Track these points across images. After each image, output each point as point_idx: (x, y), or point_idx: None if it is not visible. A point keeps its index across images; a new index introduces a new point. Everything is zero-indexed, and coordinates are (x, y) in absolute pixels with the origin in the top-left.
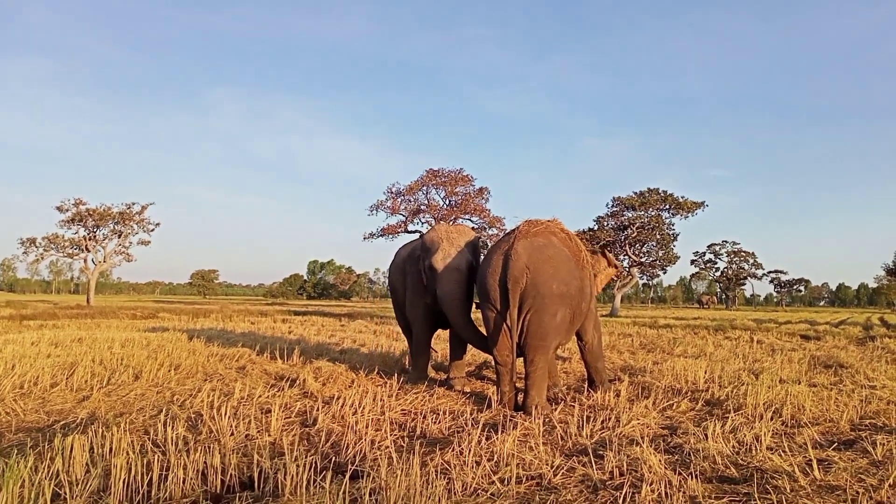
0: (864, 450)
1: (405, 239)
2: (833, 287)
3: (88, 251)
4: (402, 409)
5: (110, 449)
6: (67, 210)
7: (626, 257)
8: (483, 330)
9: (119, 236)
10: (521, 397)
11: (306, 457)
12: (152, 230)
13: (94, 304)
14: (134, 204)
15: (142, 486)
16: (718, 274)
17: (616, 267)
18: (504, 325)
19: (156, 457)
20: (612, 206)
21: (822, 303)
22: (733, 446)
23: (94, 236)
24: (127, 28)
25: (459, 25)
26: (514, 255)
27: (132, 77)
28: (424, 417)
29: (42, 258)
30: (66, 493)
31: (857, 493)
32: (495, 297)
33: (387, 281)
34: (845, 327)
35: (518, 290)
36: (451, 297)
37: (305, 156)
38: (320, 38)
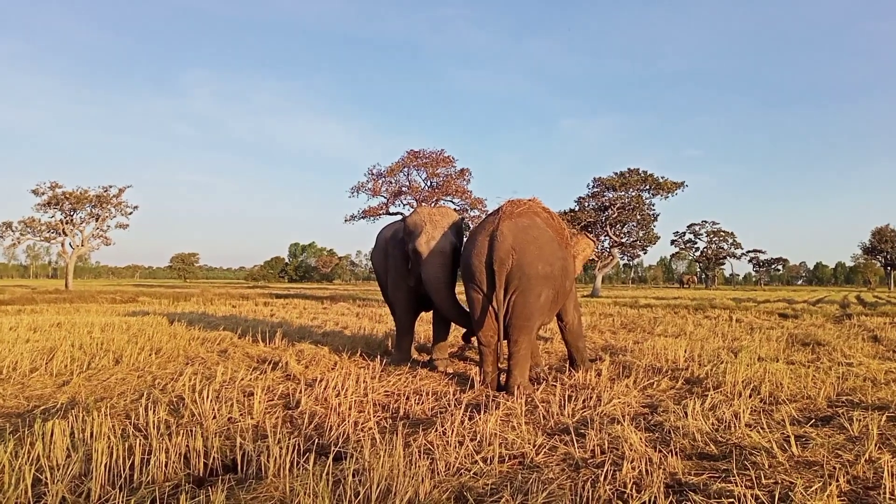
0: (841, 426)
1: (387, 221)
2: (811, 266)
3: (66, 235)
4: (385, 391)
5: (91, 433)
6: (43, 193)
7: (607, 238)
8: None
9: (96, 220)
10: (503, 377)
11: (289, 439)
12: (130, 213)
13: (72, 289)
14: (111, 187)
15: (124, 470)
16: (698, 254)
17: (591, 250)
18: (489, 306)
19: (137, 441)
20: (593, 186)
21: (799, 282)
22: (713, 423)
23: (71, 220)
24: (99, 8)
25: (438, 4)
26: (500, 237)
27: (105, 58)
28: (407, 399)
29: (19, 242)
30: (46, 478)
31: (834, 468)
32: (481, 279)
33: (369, 263)
34: (823, 306)
35: (504, 271)
36: (437, 281)
37: (284, 137)
38: (296, 18)
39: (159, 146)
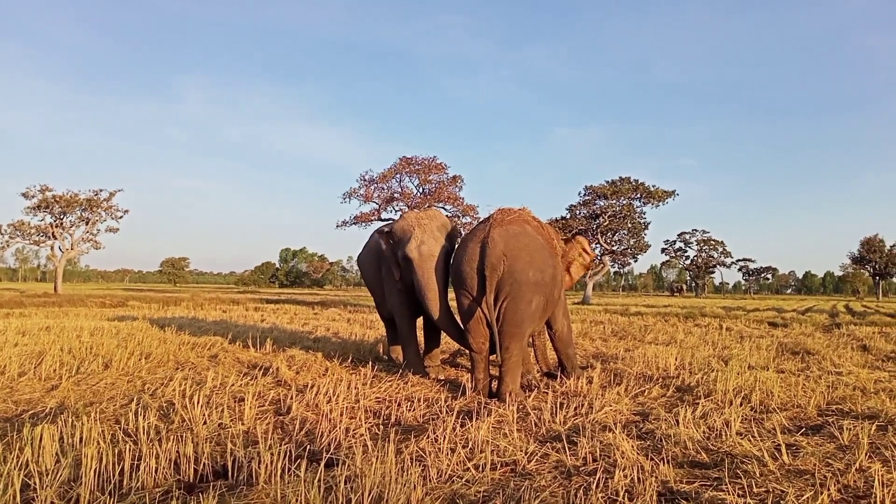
0: (831, 435)
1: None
2: (800, 275)
3: (55, 238)
4: (377, 397)
5: (81, 438)
6: (33, 197)
7: (598, 246)
8: (458, 318)
9: (86, 223)
10: (495, 384)
11: (280, 445)
12: (121, 217)
13: (61, 293)
14: (101, 191)
15: (113, 476)
16: (688, 262)
17: (589, 254)
18: (479, 313)
19: (127, 446)
20: (585, 194)
21: (789, 290)
22: (704, 432)
23: (61, 223)
24: (92, 13)
25: (431, 12)
26: (492, 243)
27: (99, 62)
28: (399, 405)
29: (7, 245)
30: (35, 484)
31: (825, 477)
32: (472, 285)
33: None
34: (812, 315)
35: (495, 278)
36: (427, 288)
37: (276, 143)
38: (290, 24)
39: (151, 151)
